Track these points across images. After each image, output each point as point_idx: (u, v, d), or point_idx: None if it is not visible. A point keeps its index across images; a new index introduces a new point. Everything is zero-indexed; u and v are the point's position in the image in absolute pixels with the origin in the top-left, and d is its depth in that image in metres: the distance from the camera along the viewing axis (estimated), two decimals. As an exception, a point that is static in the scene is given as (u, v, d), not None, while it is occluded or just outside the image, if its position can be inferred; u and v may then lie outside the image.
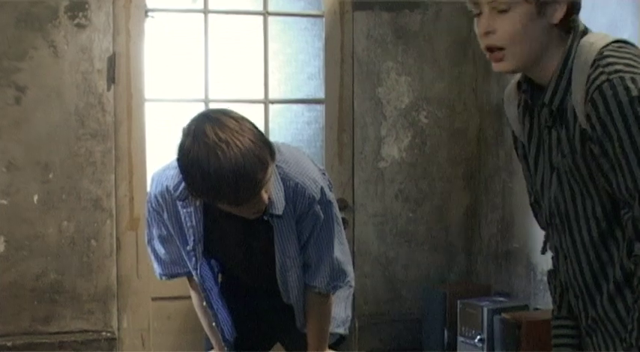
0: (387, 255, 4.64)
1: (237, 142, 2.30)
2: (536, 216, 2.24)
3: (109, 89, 4.18)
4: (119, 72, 4.21)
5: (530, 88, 2.12)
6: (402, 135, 4.62)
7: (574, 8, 2.05)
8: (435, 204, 4.70)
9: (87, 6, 4.14)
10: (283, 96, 4.55)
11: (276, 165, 2.53)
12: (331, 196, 2.69)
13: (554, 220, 2.12)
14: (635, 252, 1.95)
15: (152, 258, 2.80)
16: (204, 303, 2.77)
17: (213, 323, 2.80)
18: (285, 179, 2.58)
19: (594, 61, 1.98)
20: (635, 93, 1.90)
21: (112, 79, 4.19)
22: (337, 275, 2.73)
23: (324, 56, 4.53)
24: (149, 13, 4.31)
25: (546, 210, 2.14)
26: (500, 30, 2.03)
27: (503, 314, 4.01)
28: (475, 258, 4.75)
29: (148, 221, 2.76)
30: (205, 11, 4.38)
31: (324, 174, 2.73)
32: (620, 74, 1.93)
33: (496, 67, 2.07)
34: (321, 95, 4.55)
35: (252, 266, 2.75)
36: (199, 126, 2.33)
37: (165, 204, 2.65)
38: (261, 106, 4.44)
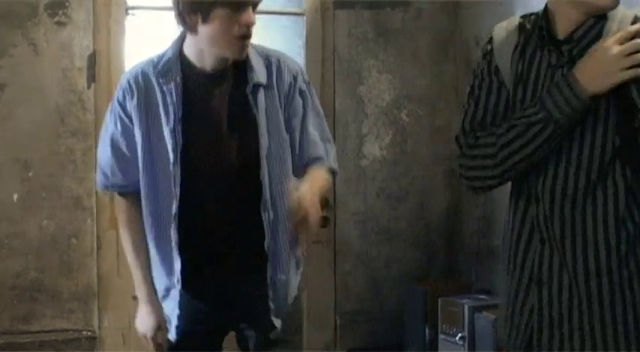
0: (369, 252, 4.65)
1: None
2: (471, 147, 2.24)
3: (89, 87, 4.17)
4: (100, 70, 4.20)
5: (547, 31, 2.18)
6: (383, 134, 4.63)
7: None
8: (416, 202, 4.71)
9: (67, 3, 4.12)
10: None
11: (254, 45, 2.63)
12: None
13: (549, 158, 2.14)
14: None
15: (98, 167, 2.76)
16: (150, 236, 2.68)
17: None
18: (267, 56, 2.65)
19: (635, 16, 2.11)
20: None
21: (92, 77, 4.17)
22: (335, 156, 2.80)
23: (305, 54, 4.53)
24: (130, 11, 4.30)
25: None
26: None
27: (485, 312, 4.02)
28: (456, 255, 4.77)
29: (105, 122, 2.72)
30: (186, 9, 4.37)
31: None
32: None
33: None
34: (303, 93, 4.54)
35: (231, 161, 2.62)
36: None
37: (137, 87, 2.62)
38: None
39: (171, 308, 2.71)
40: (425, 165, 4.71)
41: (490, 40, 2.28)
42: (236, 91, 2.59)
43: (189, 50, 2.59)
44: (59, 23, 4.12)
